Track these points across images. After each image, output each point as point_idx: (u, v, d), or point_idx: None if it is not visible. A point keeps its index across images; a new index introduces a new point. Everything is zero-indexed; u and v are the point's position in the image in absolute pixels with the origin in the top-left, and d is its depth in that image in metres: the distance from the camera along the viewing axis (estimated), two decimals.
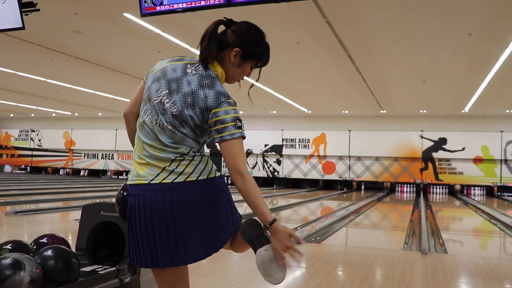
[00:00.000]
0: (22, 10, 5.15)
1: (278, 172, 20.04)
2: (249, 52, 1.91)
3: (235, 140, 1.77)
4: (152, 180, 1.82)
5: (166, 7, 4.76)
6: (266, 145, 20.09)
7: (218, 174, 1.93)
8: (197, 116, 1.80)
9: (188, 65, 1.88)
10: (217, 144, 1.83)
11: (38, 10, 5.17)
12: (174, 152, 1.82)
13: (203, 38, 1.90)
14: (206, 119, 1.80)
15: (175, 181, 1.81)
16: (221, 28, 1.95)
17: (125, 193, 2.00)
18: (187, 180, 1.82)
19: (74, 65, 11.12)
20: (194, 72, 1.85)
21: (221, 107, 1.78)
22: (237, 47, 1.88)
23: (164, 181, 1.81)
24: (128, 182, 1.93)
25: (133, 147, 1.97)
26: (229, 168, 1.78)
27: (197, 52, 2.00)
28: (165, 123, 1.82)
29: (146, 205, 1.82)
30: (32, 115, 23.30)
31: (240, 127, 1.80)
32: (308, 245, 5.85)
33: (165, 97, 1.83)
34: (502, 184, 17.59)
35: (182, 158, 1.83)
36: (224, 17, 1.96)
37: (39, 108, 20.22)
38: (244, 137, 1.82)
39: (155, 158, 1.83)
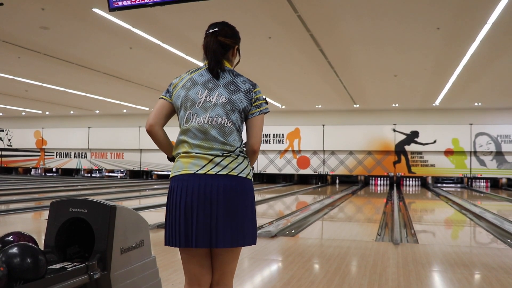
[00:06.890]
0: None
1: (253, 168, 20.01)
2: (239, 43, 2.33)
3: (264, 115, 2.25)
4: (198, 171, 2.06)
5: (135, 1, 4.70)
6: None
7: (252, 178, 2.20)
8: (244, 98, 2.14)
9: None
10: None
11: (2, 4, 5.04)
12: (221, 149, 2.08)
13: (207, 51, 2.20)
14: (250, 98, 2.16)
15: (218, 173, 2.06)
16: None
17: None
18: (229, 173, 2.07)
19: (43, 62, 10.88)
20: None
21: (257, 88, 2.22)
22: (235, 45, 2.28)
23: (209, 172, 2.06)
24: (172, 175, 2.13)
25: (169, 153, 2.25)
26: (254, 142, 2.21)
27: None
28: (215, 118, 2.09)
29: (188, 188, 2.04)
30: (1, 114, 22.72)
31: (267, 103, 2.26)
32: (282, 238, 5.89)
33: (208, 96, 2.12)
34: (472, 175, 18.04)
35: (228, 154, 2.09)
36: (210, 29, 2.24)
37: (7, 107, 19.71)
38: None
39: (203, 154, 2.08)
